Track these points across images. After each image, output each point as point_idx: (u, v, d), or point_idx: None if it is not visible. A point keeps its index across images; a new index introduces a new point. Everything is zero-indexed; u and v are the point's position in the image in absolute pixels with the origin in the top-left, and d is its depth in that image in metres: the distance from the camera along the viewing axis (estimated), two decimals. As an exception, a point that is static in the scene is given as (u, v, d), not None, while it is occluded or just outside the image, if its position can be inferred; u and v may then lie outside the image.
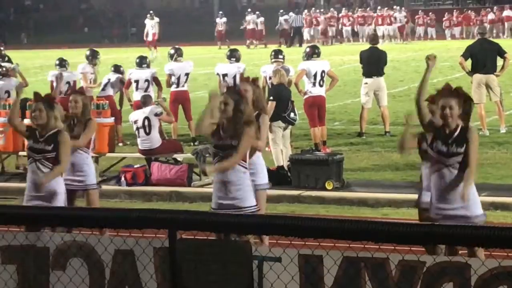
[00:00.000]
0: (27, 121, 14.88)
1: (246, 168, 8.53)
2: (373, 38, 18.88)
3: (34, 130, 9.10)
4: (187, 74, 17.61)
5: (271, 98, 13.79)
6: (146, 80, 17.39)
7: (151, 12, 46.16)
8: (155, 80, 17.52)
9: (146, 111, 14.47)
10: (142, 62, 17.71)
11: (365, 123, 17.76)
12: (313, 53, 16.15)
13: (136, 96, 17.48)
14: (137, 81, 17.44)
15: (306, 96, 15.92)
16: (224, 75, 17.16)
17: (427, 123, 7.81)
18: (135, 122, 14.40)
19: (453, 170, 7.59)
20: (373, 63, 17.84)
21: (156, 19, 45.12)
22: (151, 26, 44.66)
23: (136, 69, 17.69)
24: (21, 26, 65.82)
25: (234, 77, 17.06)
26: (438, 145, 7.63)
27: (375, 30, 49.09)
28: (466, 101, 7.71)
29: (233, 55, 17.53)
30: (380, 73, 17.81)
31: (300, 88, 15.99)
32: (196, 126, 9.02)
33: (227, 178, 8.43)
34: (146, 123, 14.31)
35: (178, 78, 17.51)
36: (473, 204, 7.68)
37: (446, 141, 7.60)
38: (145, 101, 14.87)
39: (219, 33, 50.60)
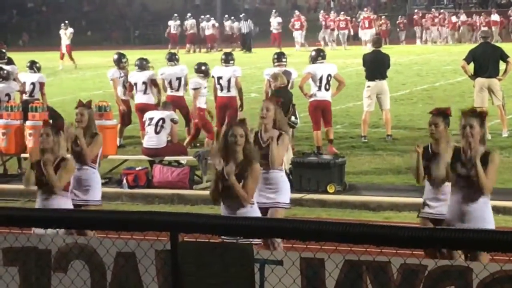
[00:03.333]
0: (29, 123, 14.98)
1: (253, 203, 8.46)
2: (376, 41, 18.84)
3: (39, 162, 9.11)
4: (178, 79, 17.55)
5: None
6: (144, 83, 17.39)
7: (66, 21, 42.22)
8: (153, 82, 17.49)
9: (164, 113, 14.78)
10: (141, 64, 17.74)
11: (367, 127, 17.74)
12: (317, 56, 16.09)
13: (136, 98, 17.51)
14: (135, 84, 17.48)
15: (311, 100, 15.86)
16: (219, 78, 17.09)
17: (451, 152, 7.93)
18: (150, 119, 14.56)
19: (471, 192, 7.69)
20: (376, 66, 17.80)
21: (70, 30, 40.80)
22: (66, 37, 40.35)
23: (136, 71, 17.71)
24: (23, 28, 65.86)
25: (229, 80, 17.00)
26: (457, 169, 7.73)
27: (377, 34, 48.89)
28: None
29: (229, 59, 17.47)
30: (383, 76, 17.78)
31: (306, 91, 15.92)
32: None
33: (234, 214, 8.30)
34: (160, 123, 14.55)
35: (170, 83, 17.51)
36: (488, 226, 7.75)
37: (465, 165, 7.70)
38: (165, 105, 15.31)
39: (172, 36, 48.46)
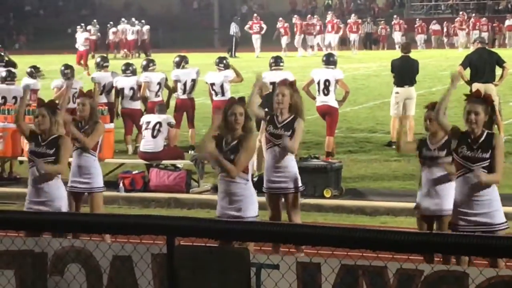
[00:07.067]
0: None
1: (247, 180, 8.61)
2: (405, 47, 18.42)
3: (37, 134, 9.20)
4: (193, 80, 17.46)
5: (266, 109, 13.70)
6: (131, 88, 17.37)
7: None
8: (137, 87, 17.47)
9: (161, 117, 14.75)
10: (127, 69, 17.69)
11: (396, 132, 17.38)
12: (324, 61, 16.06)
13: (123, 104, 17.45)
14: (122, 89, 17.45)
15: (316, 105, 15.85)
16: (212, 84, 17.05)
17: (452, 131, 7.86)
18: (147, 123, 14.57)
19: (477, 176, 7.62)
20: (406, 72, 17.55)
21: None
22: None
23: (122, 76, 17.66)
24: (20, 31, 65.83)
25: (222, 86, 16.95)
26: (463, 151, 7.67)
27: (375, 39, 48.71)
28: (491, 108, 7.77)
29: (221, 62, 17.41)
30: (412, 82, 17.59)
31: (312, 95, 15.86)
32: (197, 147, 9.15)
33: (230, 190, 8.54)
34: (157, 127, 14.53)
35: (185, 85, 17.34)
36: (496, 212, 7.73)
37: (472, 147, 7.65)
38: (161, 109, 15.19)
39: (92, 41, 46.36)
